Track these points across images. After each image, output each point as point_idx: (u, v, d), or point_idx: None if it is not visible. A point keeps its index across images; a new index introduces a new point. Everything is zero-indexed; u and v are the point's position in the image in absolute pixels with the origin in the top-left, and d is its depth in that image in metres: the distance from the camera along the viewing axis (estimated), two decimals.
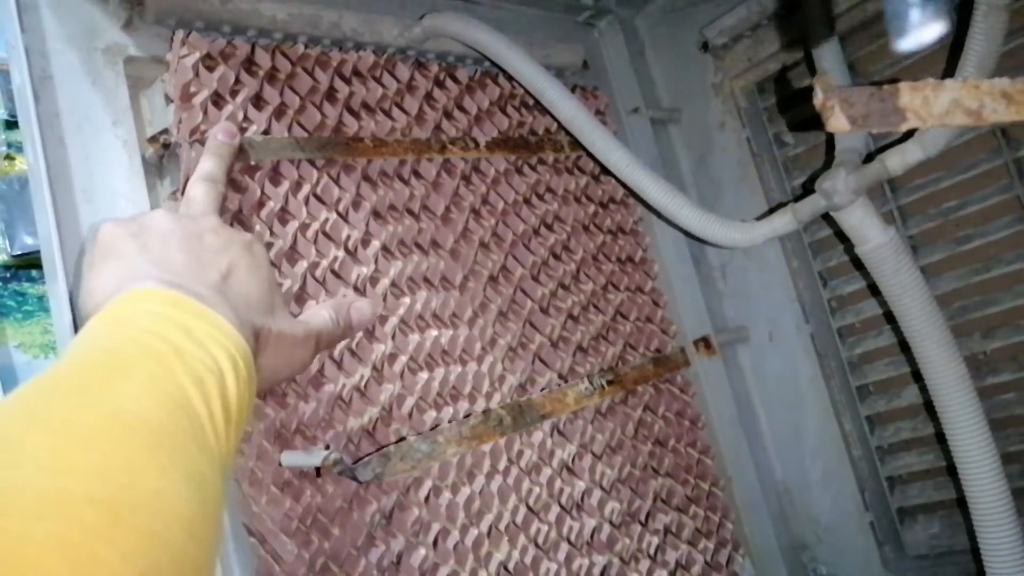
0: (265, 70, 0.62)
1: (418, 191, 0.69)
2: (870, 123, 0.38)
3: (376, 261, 0.64)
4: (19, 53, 0.52)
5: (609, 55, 0.95)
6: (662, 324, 0.87)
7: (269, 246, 0.57)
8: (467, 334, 0.68)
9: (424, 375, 0.64)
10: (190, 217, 0.48)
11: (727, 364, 0.91)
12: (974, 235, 0.79)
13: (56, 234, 0.50)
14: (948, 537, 0.84)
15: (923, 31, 0.72)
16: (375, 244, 0.64)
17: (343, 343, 0.59)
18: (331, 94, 0.66)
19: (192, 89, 0.57)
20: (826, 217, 0.71)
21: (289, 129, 0.62)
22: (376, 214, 0.65)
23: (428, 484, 0.61)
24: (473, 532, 0.62)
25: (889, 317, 0.83)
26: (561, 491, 0.70)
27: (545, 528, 0.67)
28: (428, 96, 0.74)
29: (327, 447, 0.56)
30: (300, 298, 0.58)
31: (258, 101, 0.61)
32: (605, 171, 0.82)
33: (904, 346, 0.78)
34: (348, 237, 0.62)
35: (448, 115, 0.75)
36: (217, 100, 0.58)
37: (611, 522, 0.72)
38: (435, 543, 0.60)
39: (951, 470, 0.80)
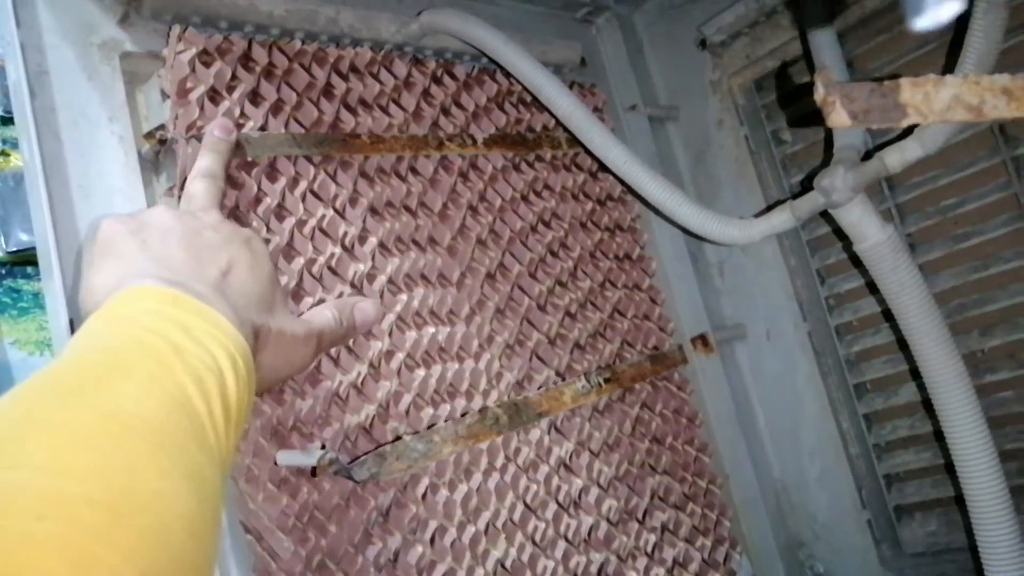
0: (262, 66, 0.61)
1: (415, 188, 0.69)
2: (871, 119, 0.38)
3: (373, 258, 0.63)
4: (15, 48, 0.51)
5: (607, 52, 0.95)
6: (660, 321, 0.86)
7: (266, 243, 0.57)
8: (464, 331, 0.68)
9: (421, 372, 0.63)
10: (191, 213, 0.47)
11: (725, 362, 0.91)
12: (972, 233, 0.79)
13: (52, 230, 0.50)
14: (945, 535, 0.84)
15: (938, 12, 0.71)
16: (372, 241, 0.64)
17: None
18: (328, 90, 0.66)
19: (188, 85, 0.57)
20: (824, 215, 0.70)
21: (286, 125, 0.62)
22: (373, 211, 0.65)
23: (425, 481, 0.61)
24: (470, 529, 0.62)
25: (887, 315, 0.83)
26: (558, 488, 0.69)
27: (542, 526, 0.67)
28: (425, 92, 0.73)
29: (323, 446, 0.55)
30: (296, 295, 0.58)
31: (255, 97, 0.61)
32: (603, 168, 0.82)
33: (902, 344, 0.79)
34: (345, 234, 0.62)
35: (445, 112, 0.75)
36: (214, 96, 0.58)
37: (608, 520, 0.72)
38: (432, 540, 0.60)
39: (949, 468, 0.80)
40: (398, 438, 0.60)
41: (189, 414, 0.34)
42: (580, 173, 0.86)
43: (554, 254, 0.79)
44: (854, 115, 0.38)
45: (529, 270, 0.75)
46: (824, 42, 0.75)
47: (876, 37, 0.83)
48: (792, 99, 0.91)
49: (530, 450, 0.68)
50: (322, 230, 0.61)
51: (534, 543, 0.66)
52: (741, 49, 0.91)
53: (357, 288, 0.62)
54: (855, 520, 0.87)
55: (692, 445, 0.84)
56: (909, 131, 0.66)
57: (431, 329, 0.65)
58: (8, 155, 1.39)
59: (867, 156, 0.68)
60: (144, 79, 0.58)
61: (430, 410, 0.63)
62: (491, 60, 0.75)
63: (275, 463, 0.53)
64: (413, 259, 0.66)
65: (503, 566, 0.64)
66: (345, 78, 0.67)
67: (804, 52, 0.85)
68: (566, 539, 0.68)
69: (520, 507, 0.66)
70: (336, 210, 0.62)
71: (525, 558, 0.65)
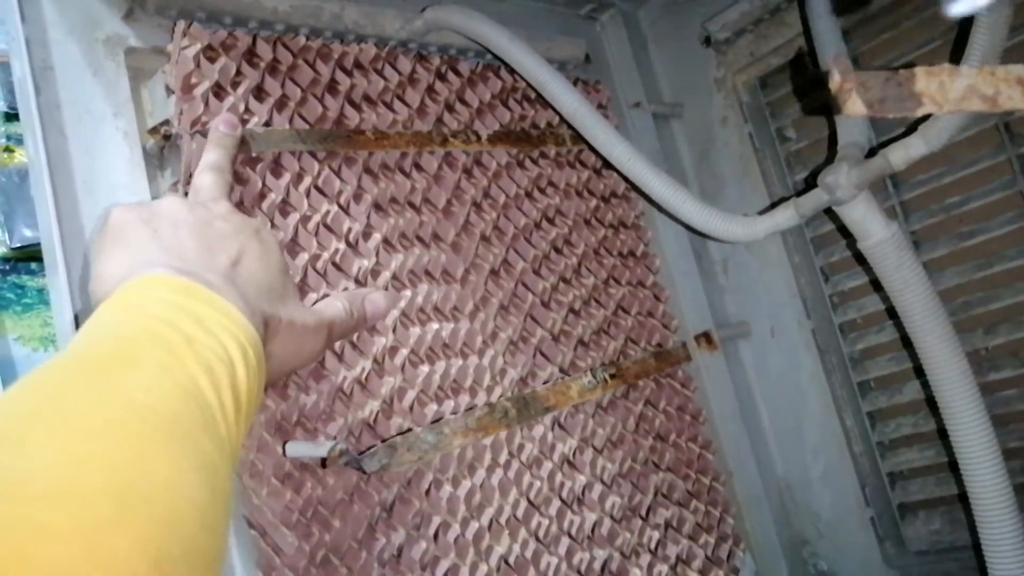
0: (266, 62, 0.61)
1: (419, 184, 0.69)
2: (886, 108, 0.38)
3: (377, 254, 0.64)
4: (20, 44, 0.51)
5: (611, 49, 0.95)
6: (663, 319, 0.86)
7: None
8: (468, 327, 0.68)
9: (425, 368, 0.63)
10: (201, 204, 0.47)
11: (728, 359, 0.91)
12: (977, 231, 0.79)
13: (57, 226, 0.50)
14: (949, 533, 0.83)
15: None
16: (376, 237, 0.64)
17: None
18: (333, 86, 0.66)
19: (193, 80, 0.57)
20: (828, 212, 0.70)
21: (290, 121, 0.62)
22: (377, 207, 0.65)
23: (429, 477, 0.61)
24: (474, 525, 0.62)
25: (891, 313, 0.83)
26: (562, 485, 0.70)
27: (546, 522, 0.67)
28: (430, 89, 0.73)
29: (333, 438, 0.55)
30: (300, 291, 0.58)
31: (259, 93, 0.61)
32: (607, 165, 0.82)
33: (906, 342, 0.78)
34: (349, 230, 0.62)
35: (450, 108, 0.75)
36: (218, 91, 0.58)
37: (612, 516, 0.72)
38: (436, 536, 0.60)
39: (952, 466, 0.80)
40: (408, 430, 0.60)
41: (200, 404, 0.34)
42: (584, 170, 0.85)
43: (558, 251, 0.79)
44: (869, 104, 0.38)
45: (533, 267, 0.75)
46: (829, 38, 0.75)
47: (881, 34, 0.83)
48: (804, 92, 0.90)
49: (534, 446, 0.68)
50: (326, 226, 0.61)
51: (537, 539, 0.66)
52: (745, 46, 0.91)
53: (361, 284, 0.62)
54: (858, 518, 0.87)
55: (696, 442, 0.84)
56: (913, 128, 0.66)
57: (435, 325, 0.65)
58: (12, 151, 1.39)
59: (871, 153, 0.68)
60: (149, 75, 0.58)
61: (434, 406, 0.63)
62: (495, 57, 0.75)
63: (283, 456, 0.53)
64: (417, 255, 0.66)
65: (506, 562, 0.64)
66: (349, 74, 0.67)
67: (809, 49, 0.84)
68: (569, 536, 0.68)
69: (524, 503, 0.66)
70: (340, 206, 0.62)
71: (528, 554, 0.65)
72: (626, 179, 0.74)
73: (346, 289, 0.60)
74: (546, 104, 0.77)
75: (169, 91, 0.57)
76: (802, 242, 0.91)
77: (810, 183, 0.83)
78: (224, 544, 0.31)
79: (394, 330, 0.63)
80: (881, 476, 0.87)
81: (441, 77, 0.75)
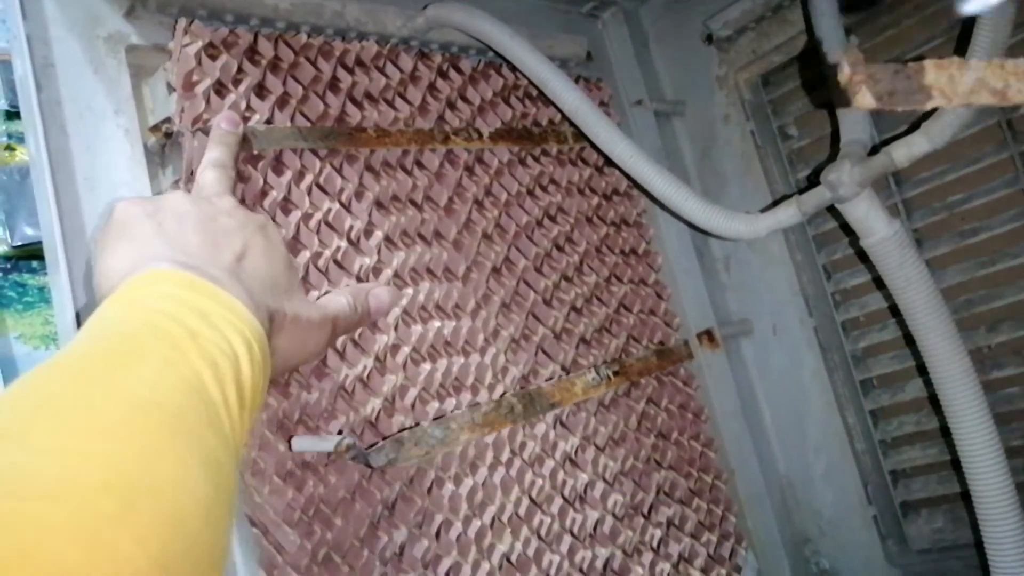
0: (268, 59, 0.61)
1: (421, 182, 0.69)
2: (895, 101, 0.38)
3: (379, 251, 0.63)
4: (21, 41, 0.51)
5: (613, 47, 0.95)
6: (665, 316, 0.86)
7: None
8: (470, 325, 0.68)
9: (427, 366, 0.63)
10: (206, 199, 0.47)
11: (730, 357, 0.91)
12: (979, 228, 0.79)
13: (58, 224, 0.49)
14: (951, 531, 0.83)
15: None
16: (378, 234, 0.64)
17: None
18: (334, 84, 0.66)
19: (194, 78, 0.57)
20: (831, 210, 0.70)
21: (292, 119, 0.62)
22: (379, 204, 0.65)
23: (431, 475, 0.61)
24: (476, 523, 0.62)
25: (894, 310, 0.83)
26: (564, 483, 0.69)
27: (548, 520, 0.67)
28: (431, 86, 0.73)
29: (339, 433, 0.55)
30: (302, 288, 0.58)
31: (261, 90, 0.61)
32: (609, 163, 0.82)
33: (908, 340, 0.78)
34: (351, 227, 0.62)
35: (451, 106, 0.75)
36: (220, 89, 0.58)
37: (614, 514, 0.72)
38: (438, 534, 0.60)
39: (955, 464, 0.79)
40: (416, 424, 0.60)
41: (204, 400, 0.34)
42: (586, 168, 0.85)
43: (560, 249, 0.79)
44: (879, 96, 0.38)
45: (535, 264, 0.75)
46: (834, 36, 0.75)
47: (882, 32, 0.83)
48: (811, 87, 0.90)
49: (536, 444, 0.68)
50: (328, 224, 0.61)
51: (539, 537, 0.66)
52: (747, 44, 0.91)
53: (363, 282, 0.61)
54: (861, 516, 0.87)
55: (698, 440, 0.84)
56: (915, 126, 0.65)
57: (437, 323, 0.65)
58: (14, 149, 1.39)
59: (874, 151, 0.68)
60: (150, 72, 0.58)
61: (436, 404, 0.63)
62: (497, 54, 0.75)
63: (290, 450, 0.52)
64: (419, 253, 0.66)
65: (508, 560, 0.64)
66: (351, 72, 0.67)
67: (811, 47, 0.84)
68: (571, 534, 0.68)
69: (526, 501, 0.66)
70: (342, 204, 0.62)
71: (530, 552, 0.65)
72: (628, 177, 0.74)
73: (348, 286, 0.60)
74: (548, 102, 0.77)
75: (170, 88, 0.57)
76: (804, 240, 0.91)
77: (812, 181, 0.83)
78: (227, 540, 0.31)
79: (396, 328, 0.62)
80: (883, 474, 0.87)
81: (443, 75, 0.75)
